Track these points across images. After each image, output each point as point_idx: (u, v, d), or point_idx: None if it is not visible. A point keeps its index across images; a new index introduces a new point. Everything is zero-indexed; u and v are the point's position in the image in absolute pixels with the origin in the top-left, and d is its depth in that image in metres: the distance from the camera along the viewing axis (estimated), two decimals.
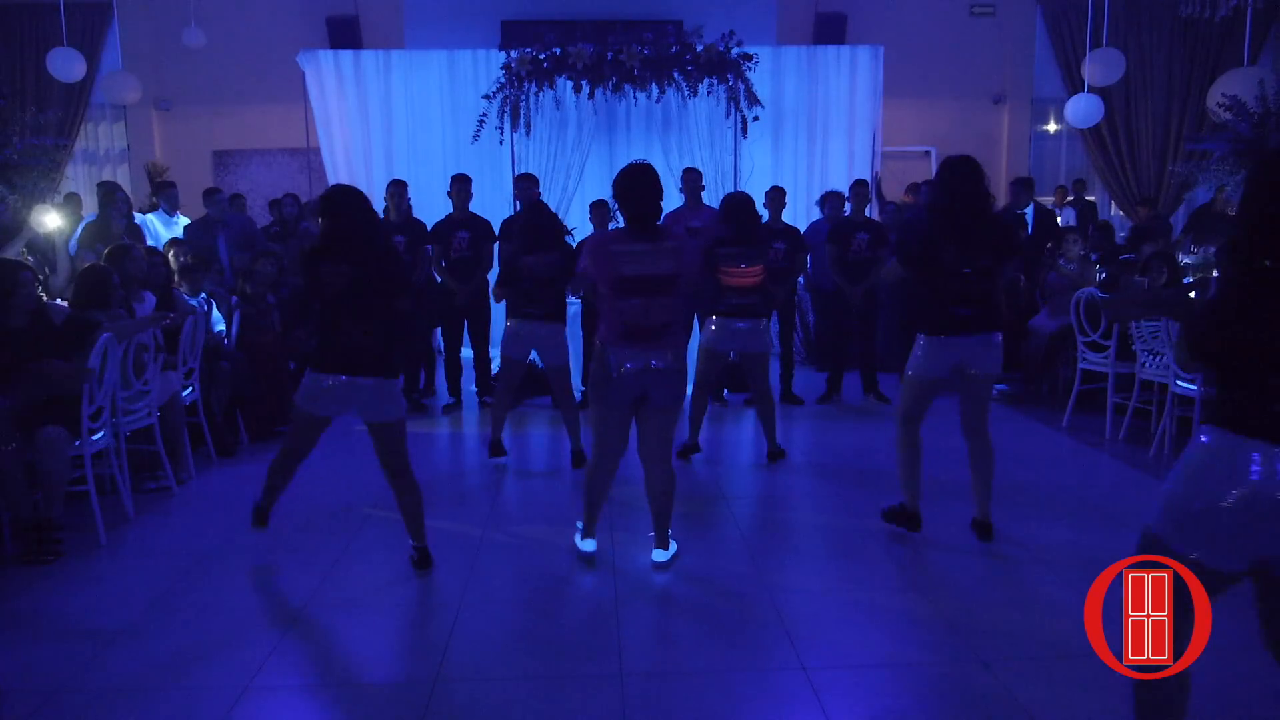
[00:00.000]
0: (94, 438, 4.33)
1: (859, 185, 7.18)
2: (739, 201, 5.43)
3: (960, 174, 3.90)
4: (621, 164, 3.88)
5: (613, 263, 3.63)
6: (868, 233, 6.96)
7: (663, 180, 8.74)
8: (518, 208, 6.95)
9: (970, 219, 3.88)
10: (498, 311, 6.13)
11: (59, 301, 5.58)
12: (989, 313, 4.02)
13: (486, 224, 6.75)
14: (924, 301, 4.10)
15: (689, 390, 4.70)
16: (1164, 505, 2.06)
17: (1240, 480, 1.94)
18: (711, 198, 7.75)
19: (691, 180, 7.07)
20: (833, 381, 7.18)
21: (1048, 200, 10.59)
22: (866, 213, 7.19)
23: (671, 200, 8.51)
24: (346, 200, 3.70)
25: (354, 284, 3.62)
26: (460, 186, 6.73)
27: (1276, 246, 1.93)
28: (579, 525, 4.07)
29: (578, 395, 5.71)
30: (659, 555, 3.95)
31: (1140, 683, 2.12)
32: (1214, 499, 1.97)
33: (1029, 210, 8.19)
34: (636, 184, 3.65)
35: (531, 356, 5.52)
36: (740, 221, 5.30)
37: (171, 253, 6.51)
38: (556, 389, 5.44)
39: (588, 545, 4.00)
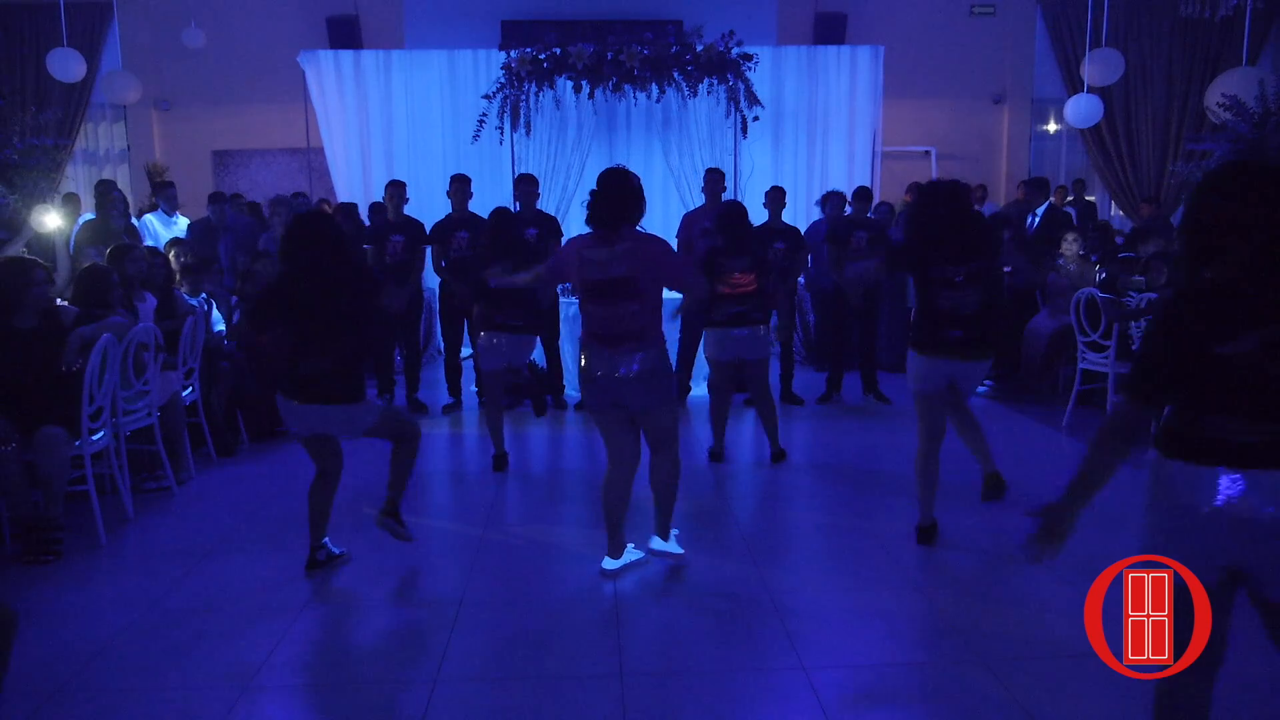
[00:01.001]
0: (94, 438, 4.32)
1: (862, 190, 7.22)
2: (730, 210, 5.49)
3: (936, 195, 4.06)
4: (621, 164, 3.88)
5: (580, 267, 3.64)
6: (867, 231, 6.97)
7: (664, 180, 8.74)
8: (517, 209, 6.96)
9: (951, 231, 3.96)
10: None
11: (59, 302, 5.58)
12: (981, 336, 4.03)
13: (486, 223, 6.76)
14: (918, 315, 4.15)
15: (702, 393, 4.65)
16: (1146, 532, 2.11)
17: (1204, 502, 1.97)
18: None
19: (712, 181, 7.05)
20: (833, 381, 7.18)
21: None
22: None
23: (673, 202, 8.60)
24: (303, 237, 3.67)
25: (312, 317, 3.63)
26: (459, 187, 6.73)
27: (1213, 258, 1.96)
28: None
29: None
30: (655, 542, 3.91)
31: (1159, 700, 2.13)
32: (1183, 520, 2.01)
33: (1041, 210, 8.22)
34: (601, 186, 3.65)
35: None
36: (733, 230, 5.35)
37: (173, 253, 6.51)
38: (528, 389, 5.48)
39: (608, 564, 3.87)
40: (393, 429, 3.92)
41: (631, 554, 3.91)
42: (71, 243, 7.06)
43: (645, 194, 3.71)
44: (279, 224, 7.35)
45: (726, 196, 7.17)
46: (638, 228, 3.67)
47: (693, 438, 5.58)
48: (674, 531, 3.99)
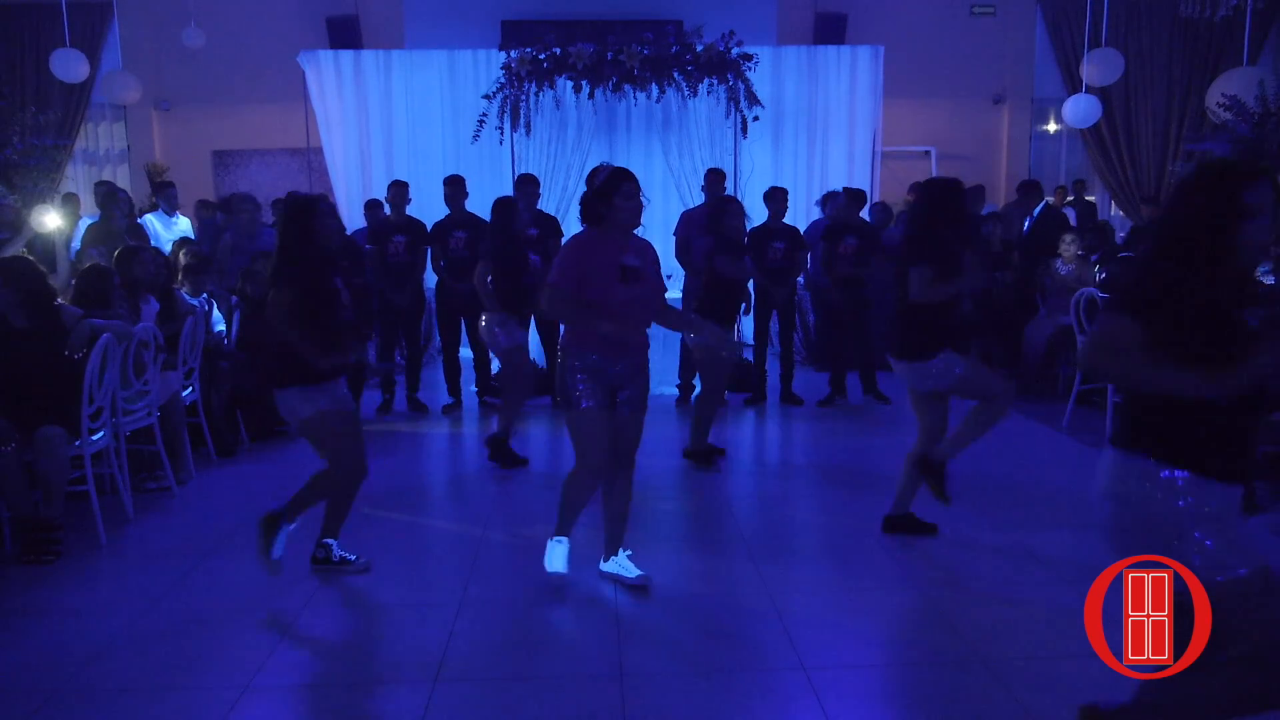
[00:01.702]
0: (94, 438, 4.32)
1: (852, 191, 7.25)
2: (716, 207, 5.67)
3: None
4: (621, 164, 3.85)
5: None
6: (856, 237, 6.92)
7: (664, 180, 8.81)
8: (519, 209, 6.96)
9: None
10: None
11: (58, 301, 5.58)
12: (894, 336, 4.08)
13: (485, 224, 6.76)
14: None
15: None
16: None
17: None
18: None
19: (713, 181, 7.05)
20: (835, 383, 7.16)
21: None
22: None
23: (673, 202, 8.60)
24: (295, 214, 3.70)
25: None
26: (454, 189, 6.75)
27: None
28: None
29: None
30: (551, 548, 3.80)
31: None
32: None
33: (1036, 212, 8.22)
34: None
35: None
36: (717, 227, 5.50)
37: (182, 252, 6.51)
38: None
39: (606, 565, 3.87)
40: (327, 453, 3.76)
41: (623, 564, 3.83)
42: (77, 243, 7.07)
43: (605, 194, 3.49)
44: (246, 221, 7.34)
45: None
46: (635, 232, 3.64)
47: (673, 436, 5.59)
48: (560, 543, 3.77)
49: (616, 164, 3.74)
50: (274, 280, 3.66)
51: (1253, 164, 2.21)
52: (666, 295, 3.86)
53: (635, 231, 3.60)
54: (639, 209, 3.52)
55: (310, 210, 3.67)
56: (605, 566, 3.81)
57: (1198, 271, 2.06)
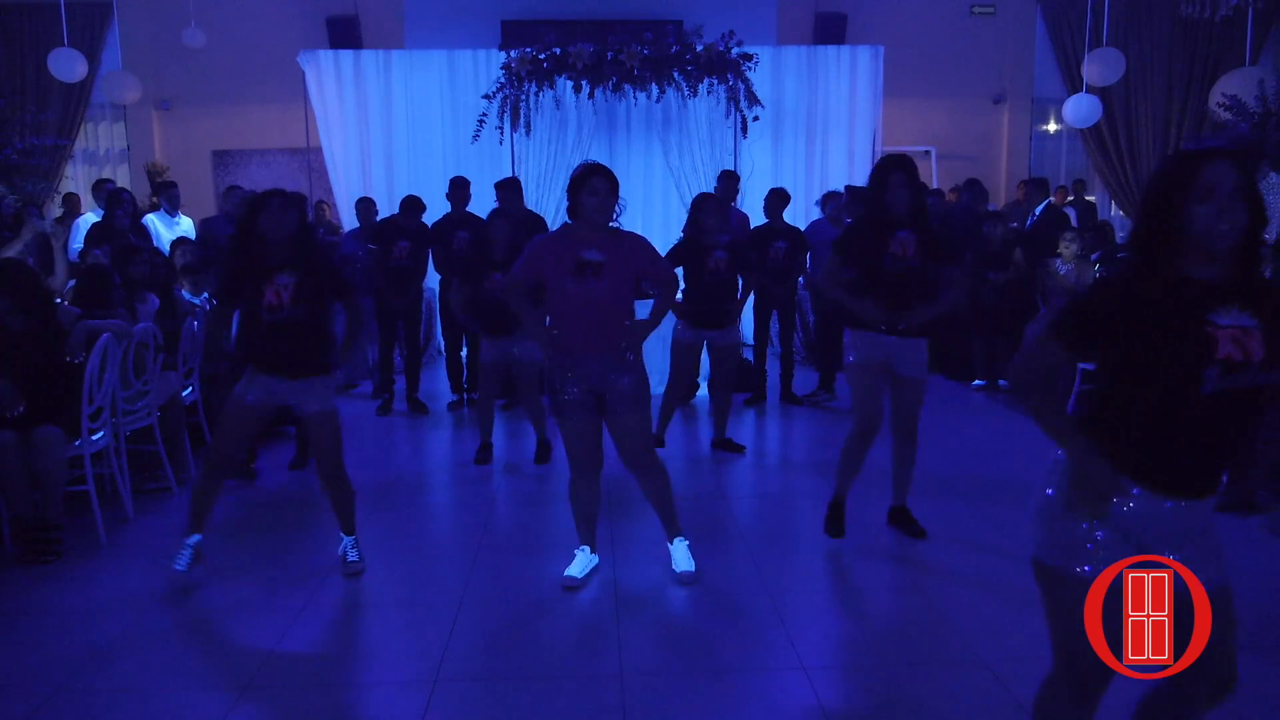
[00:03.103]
0: (94, 438, 4.32)
1: (829, 195, 7.29)
2: (693, 204, 5.73)
3: None
4: (621, 164, 3.86)
5: None
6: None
7: (664, 180, 8.82)
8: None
9: None
10: None
11: (57, 301, 5.58)
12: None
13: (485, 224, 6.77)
14: None
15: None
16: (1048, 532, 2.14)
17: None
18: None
19: (724, 184, 7.06)
20: (824, 380, 7.14)
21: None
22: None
23: (673, 202, 8.59)
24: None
25: None
26: (460, 193, 6.74)
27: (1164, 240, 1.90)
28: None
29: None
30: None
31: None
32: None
33: (1038, 210, 8.23)
34: None
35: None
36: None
37: (178, 252, 6.51)
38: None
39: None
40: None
41: (676, 552, 3.87)
42: (78, 243, 7.08)
43: (573, 189, 3.55)
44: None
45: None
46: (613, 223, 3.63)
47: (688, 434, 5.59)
48: (581, 551, 3.87)
49: (616, 164, 3.73)
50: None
51: (1221, 146, 1.98)
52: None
53: (624, 230, 3.60)
54: (604, 206, 3.47)
55: (256, 207, 3.67)
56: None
57: (1135, 266, 1.91)
